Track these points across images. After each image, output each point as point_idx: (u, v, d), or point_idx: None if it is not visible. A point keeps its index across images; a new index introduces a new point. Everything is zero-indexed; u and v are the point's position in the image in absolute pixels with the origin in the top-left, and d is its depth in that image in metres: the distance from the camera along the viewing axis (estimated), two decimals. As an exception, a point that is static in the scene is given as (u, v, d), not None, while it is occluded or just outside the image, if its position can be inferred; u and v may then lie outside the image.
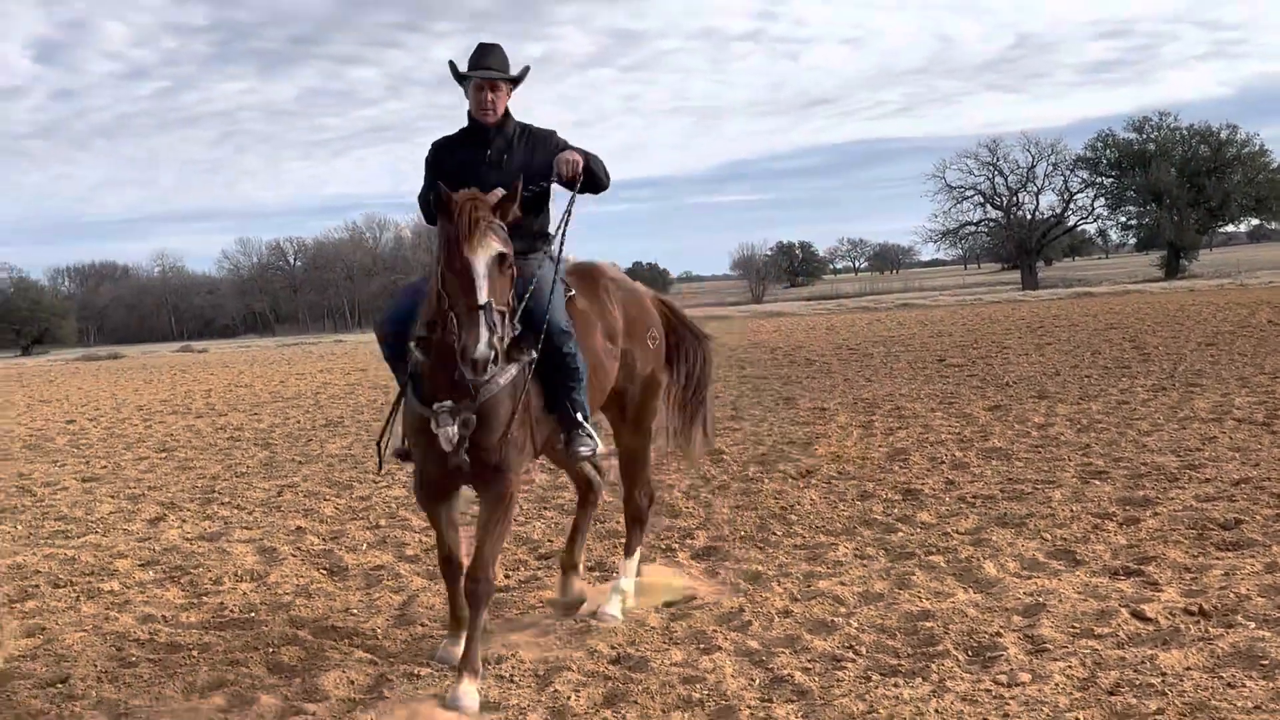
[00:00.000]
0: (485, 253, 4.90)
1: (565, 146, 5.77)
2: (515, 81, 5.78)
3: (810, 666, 5.31)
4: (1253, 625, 5.38)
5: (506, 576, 7.32)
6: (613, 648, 5.77)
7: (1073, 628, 5.58)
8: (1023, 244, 75.30)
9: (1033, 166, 76.64)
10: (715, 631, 5.92)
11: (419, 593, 7.03)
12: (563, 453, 5.83)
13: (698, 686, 5.16)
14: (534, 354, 5.38)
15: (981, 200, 78.29)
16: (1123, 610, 5.73)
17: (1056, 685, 4.81)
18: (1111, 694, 4.69)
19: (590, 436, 5.66)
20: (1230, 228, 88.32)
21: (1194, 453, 9.76)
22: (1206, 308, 30.05)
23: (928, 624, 5.77)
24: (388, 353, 5.73)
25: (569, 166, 5.63)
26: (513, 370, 5.26)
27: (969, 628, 5.69)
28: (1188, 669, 4.88)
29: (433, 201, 5.14)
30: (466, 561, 5.54)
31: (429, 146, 5.88)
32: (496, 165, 5.65)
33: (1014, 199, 77.23)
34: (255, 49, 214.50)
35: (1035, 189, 77.08)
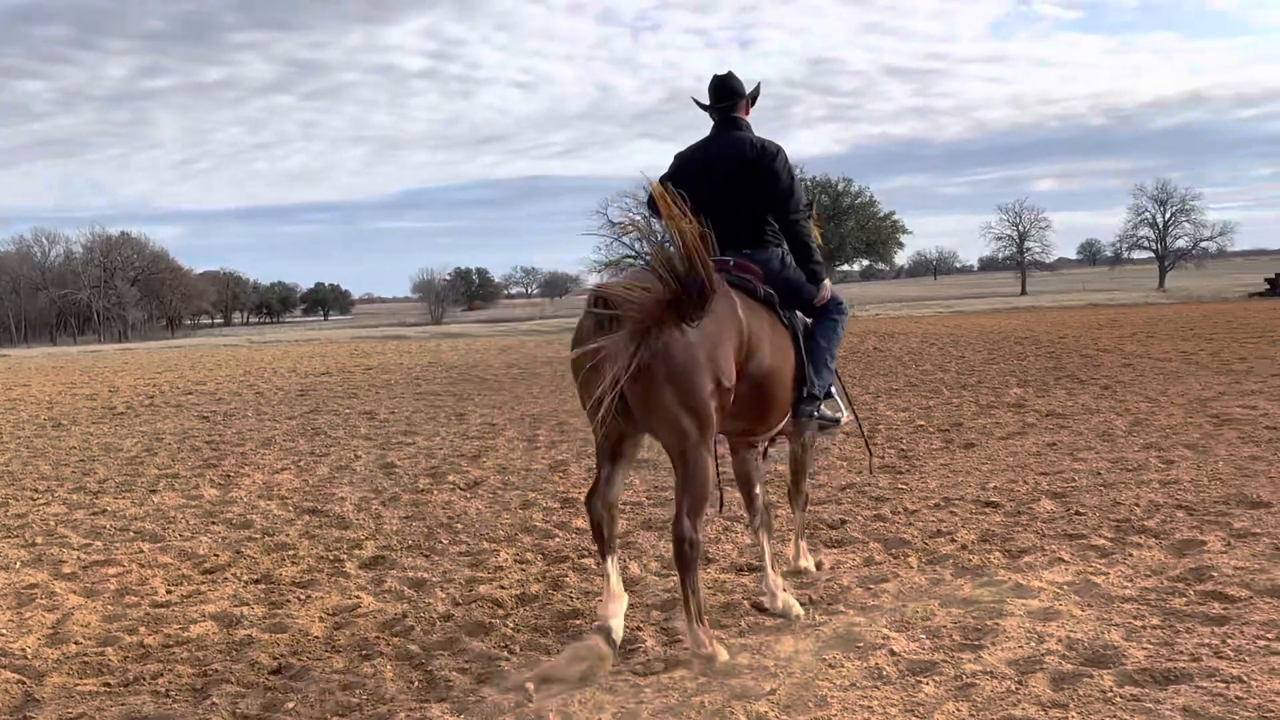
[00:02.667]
0: None
1: None
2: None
3: (467, 667, 5.23)
4: (851, 612, 5.76)
5: (169, 592, 6.82)
6: (274, 658, 5.48)
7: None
8: (674, 276, 78.24)
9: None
10: (378, 638, 5.75)
11: (74, 610, 6.41)
12: None
13: (357, 692, 4.98)
14: None
15: (639, 235, 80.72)
16: (745, 603, 6.01)
17: (686, 673, 4.96)
18: (733, 677, 4.88)
19: None
20: (846, 267, 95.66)
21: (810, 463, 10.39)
22: (825, 336, 32.17)
23: (577, 622, 5.84)
24: None
25: None
26: None
27: (613, 624, 5.79)
28: (797, 653, 5.15)
29: None
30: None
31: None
32: None
33: (666, 235, 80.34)
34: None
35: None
